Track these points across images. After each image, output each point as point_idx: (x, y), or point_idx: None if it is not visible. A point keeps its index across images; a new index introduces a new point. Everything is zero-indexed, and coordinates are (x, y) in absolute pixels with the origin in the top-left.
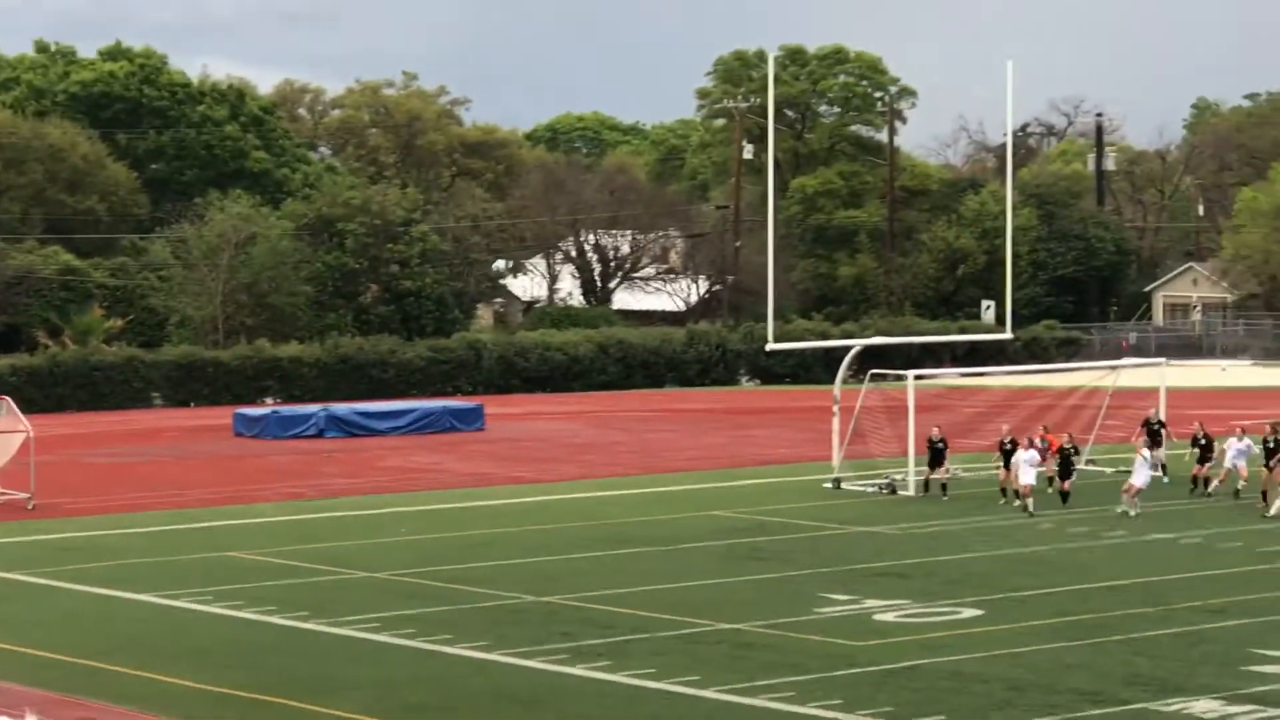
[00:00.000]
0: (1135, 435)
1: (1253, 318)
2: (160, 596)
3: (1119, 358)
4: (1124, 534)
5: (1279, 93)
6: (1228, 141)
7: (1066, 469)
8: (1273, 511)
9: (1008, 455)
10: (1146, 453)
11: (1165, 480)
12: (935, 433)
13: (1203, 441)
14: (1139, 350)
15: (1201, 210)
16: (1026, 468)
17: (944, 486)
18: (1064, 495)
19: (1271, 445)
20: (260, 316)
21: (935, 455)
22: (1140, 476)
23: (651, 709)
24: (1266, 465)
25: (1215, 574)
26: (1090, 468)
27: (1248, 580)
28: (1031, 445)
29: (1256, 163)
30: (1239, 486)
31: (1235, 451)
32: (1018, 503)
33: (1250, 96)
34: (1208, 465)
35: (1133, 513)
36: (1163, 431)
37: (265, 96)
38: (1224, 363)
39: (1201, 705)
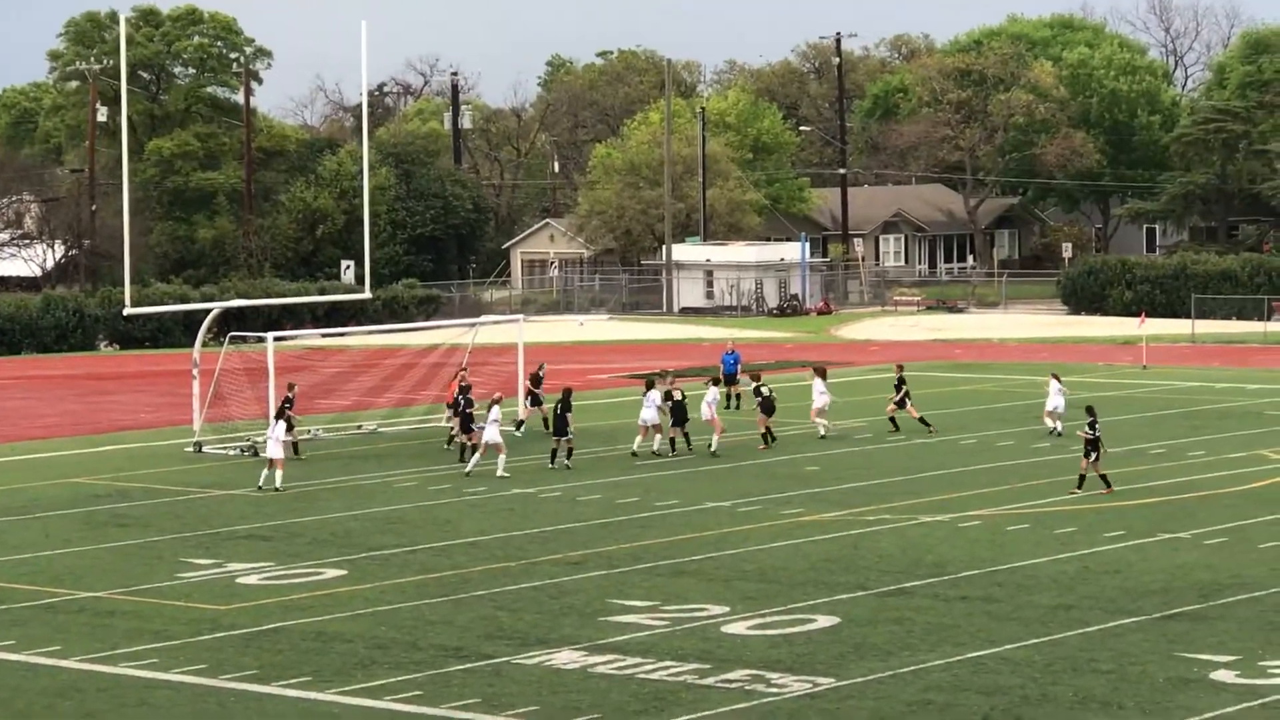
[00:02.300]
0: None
1: (608, 272)
2: None
3: (478, 315)
4: (485, 490)
5: (631, 50)
6: (582, 99)
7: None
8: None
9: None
10: (497, 409)
11: (518, 434)
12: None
13: (677, 399)
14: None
15: (557, 167)
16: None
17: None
18: (475, 448)
19: (767, 394)
20: None
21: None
22: (491, 432)
23: (11, 681)
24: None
25: (574, 527)
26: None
27: (605, 532)
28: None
29: (609, 119)
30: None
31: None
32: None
33: (603, 54)
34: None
35: (469, 470)
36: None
37: None
38: (581, 317)
39: (564, 656)
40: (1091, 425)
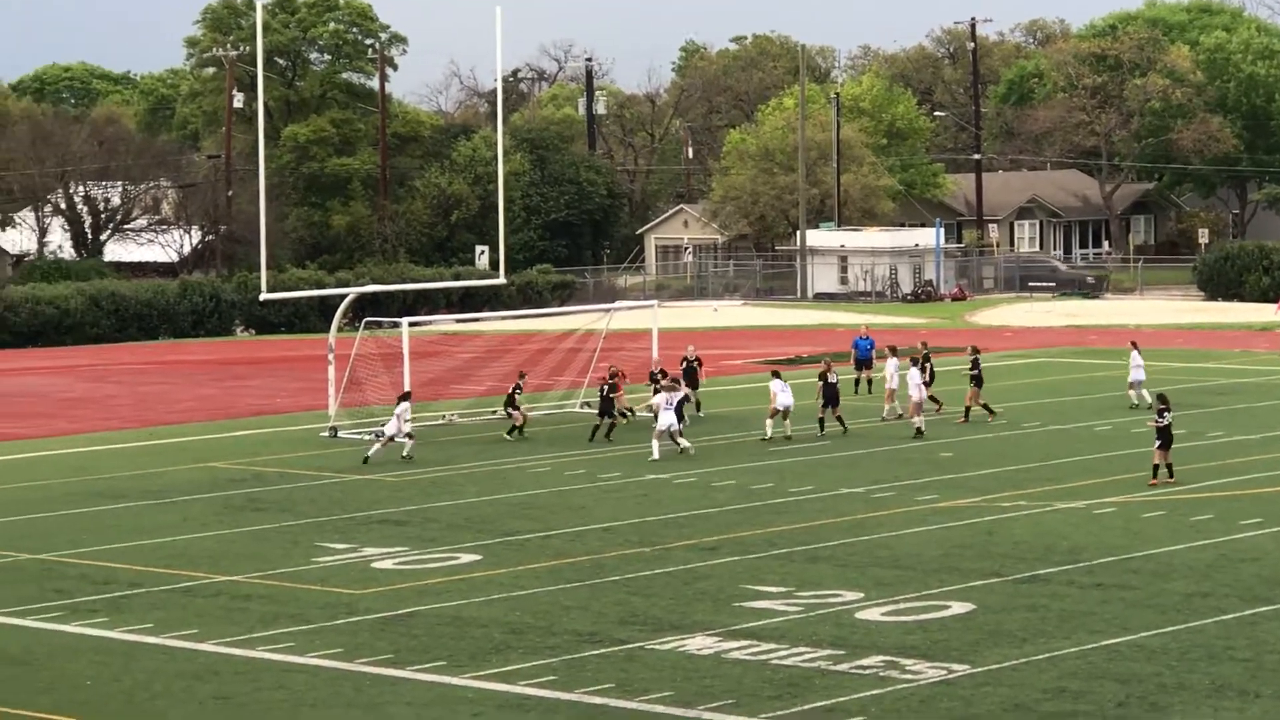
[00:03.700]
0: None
1: (742, 258)
2: None
3: (612, 301)
4: (619, 475)
5: (765, 35)
6: (716, 84)
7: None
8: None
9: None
10: (674, 395)
11: (701, 415)
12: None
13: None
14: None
15: (691, 153)
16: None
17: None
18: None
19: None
20: None
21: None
22: (667, 418)
23: (149, 664)
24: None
25: (709, 512)
26: (586, 410)
27: (739, 517)
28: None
29: (744, 105)
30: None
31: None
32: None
33: (737, 39)
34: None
35: (657, 456)
36: (699, 370)
37: None
38: (715, 303)
39: (697, 642)
40: (1161, 413)
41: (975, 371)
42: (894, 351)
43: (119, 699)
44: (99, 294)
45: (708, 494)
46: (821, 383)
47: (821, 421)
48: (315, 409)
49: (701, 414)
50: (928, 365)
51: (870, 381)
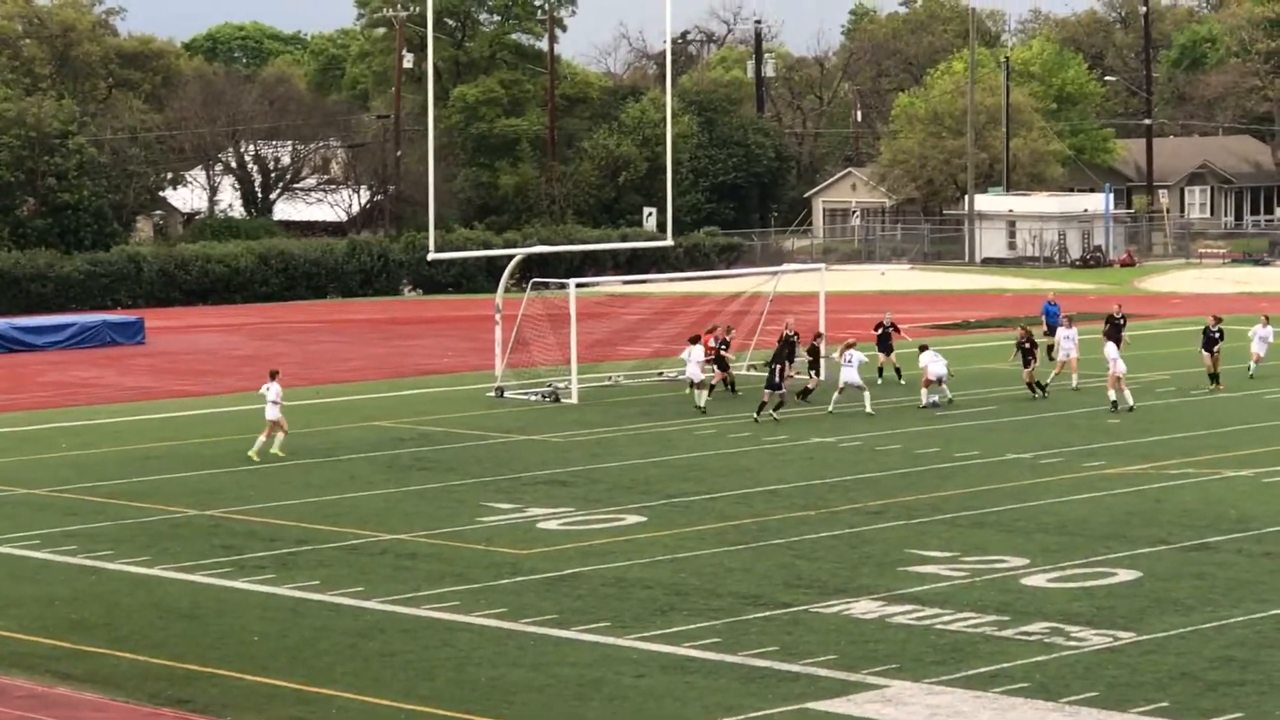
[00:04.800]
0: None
1: (910, 222)
2: None
3: (779, 263)
4: (785, 438)
5: None
6: (885, 48)
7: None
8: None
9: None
10: (852, 354)
11: (901, 382)
12: None
13: (1027, 346)
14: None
15: (859, 116)
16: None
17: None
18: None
19: (1217, 334)
20: None
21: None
22: (850, 374)
23: (315, 621)
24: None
25: (874, 476)
26: (751, 372)
27: (905, 482)
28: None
29: (913, 69)
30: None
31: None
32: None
33: (905, 3)
34: (1032, 368)
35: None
36: (893, 334)
37: None
38: (883, 267)
39: (862, 606)
40: None
41: (1217, 337)
42: (1070, 321)
43: (285, 654)
44: (268, 253)
45: (874, 458)
46: (1026, 347)
47: (1030, 385)
48: (482, 369)
49: (879, 381)
50: (1122, 332)
51: (1052, 348)
